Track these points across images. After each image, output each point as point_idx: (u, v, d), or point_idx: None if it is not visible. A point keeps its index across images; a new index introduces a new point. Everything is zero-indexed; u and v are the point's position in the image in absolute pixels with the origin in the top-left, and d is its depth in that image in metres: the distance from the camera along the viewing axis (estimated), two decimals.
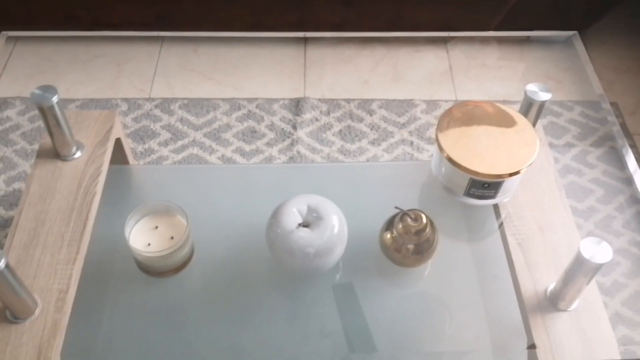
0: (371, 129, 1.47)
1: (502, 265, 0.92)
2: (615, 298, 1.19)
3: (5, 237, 0.90)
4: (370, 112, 1.50)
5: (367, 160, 1.40)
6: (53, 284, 0.83)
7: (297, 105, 1.50)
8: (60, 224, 0.90)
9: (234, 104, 1.51)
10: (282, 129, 1.46)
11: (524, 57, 1.68)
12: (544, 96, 0.94)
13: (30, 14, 1.55)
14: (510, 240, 0.91)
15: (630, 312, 1.18)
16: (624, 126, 1.52)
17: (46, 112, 0.91)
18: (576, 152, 1.43)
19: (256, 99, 1.52)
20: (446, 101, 1.54)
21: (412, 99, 1.54)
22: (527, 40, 1.72)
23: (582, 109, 1.53)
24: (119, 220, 0.87)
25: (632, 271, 1.23)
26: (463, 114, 0.93)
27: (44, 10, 1.53)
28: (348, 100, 1.53)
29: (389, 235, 0.88)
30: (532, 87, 0.95)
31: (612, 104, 1.57)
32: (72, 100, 1.50)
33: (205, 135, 1.44)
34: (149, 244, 0.86)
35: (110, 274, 0.92)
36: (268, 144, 1.43)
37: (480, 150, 0.89)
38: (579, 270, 0.77)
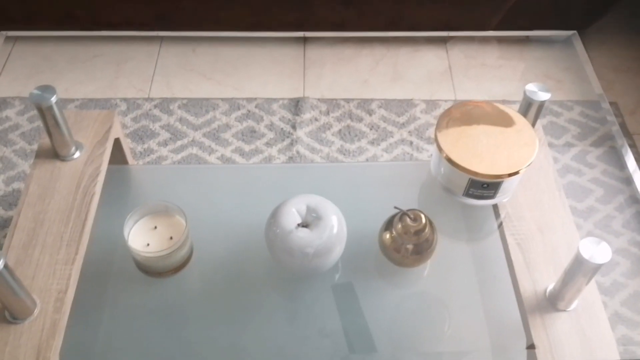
0: (370, 129, 1.46)
1: (501, 265, 0.92)
2: (615, 298, 1.19)
3: (4, 237, 0.90)
4: (370, 112, 1.50)
5: (367, 160, 1.40)
6: (52, 284, 0.83)
7: (296, 105, 1.50)
8: (59, 224, 0.89)
9: (234, 104, 1.51)
10: (282, 128, 1.45)
11: (524, 56, 1.68)
12: (543, 96, 0.94)
13: (29, 13, 1.54)
14: (510, 240, 0.91)
15: (630, 312, 1.17)
16: (623, 126, 1.52)
17: (45, 112, 0.91)
18: (576, 152, 1.43)
19: (255, 98, 1.52)
20: (446, 101, 1.54)
21: (411, 99, 1.54)
22: (526, 40, 1.72)
23: (581, 108, 1.53)
24: (118, 220, 0.87)
25: (632, 271, 1.23)
26: (462, 114, 0.93)
27: (43, 10, 1.53)
28: (347, 100, 1.53)
29: (388, 235, 0.88)
30: (531, 87, 0.95)
31: (612, 103, 1.57)
32: (72, 100, 1.50)
33: (204, 135, 1.44)
34: (148, 244, 0.86)
35: (109, 274, 0.92)
36: (267, 144, 1.42)
37: (479, 150, 0.89)
38: (578, 270, 0.77)
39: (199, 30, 1.64)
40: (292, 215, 0.84)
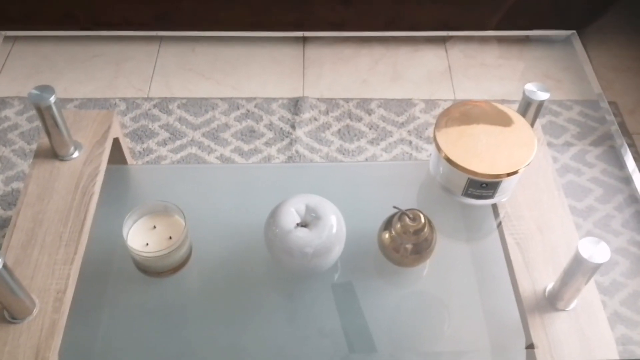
0: (370, 129, 1.46)
1: (500, 264, 0.92)
2: (614, 297, 1.19)
3: (3, 237, 0.90)
4: (369, 112, 1.50)
5: (366, 159, 1.40)
6: (51, 284, 0.83)
7: (295, 105, 1.50)
8: (58, 224, 0.89)
9: (233, 104, 1.51)
10: (281, 128, 1.45)
11: (523, 56, 1.68)
12: (543, 96, 0.94)
13: (28, 13, 1.54)
14: (509, 239, 0.91)
15: (629, 312, 1.17)
16: (623, 125, 1.52)
17: (44, 112, 0.91)
18: (575, 151, 1.43)
19: (255, 98, 1.52)
20: (445, 100, 1.54)
21: (411, 99, 1.54)
22: (526, 40, 1.72)
23: (581, 108, 1.53)
24: (117, 220, 0.87)
25: (631, 270, 1.23)
26: (461, 114, 0.93)
27: (42, 10, 1.53)
28: (347, 100, 1.53)
29: (387, 235, 0.88)
30: (530, 87, 0.95)
31: (611, 103, 1.57)
32: (71, 100, 1.50)
33: (203, 134, 1.44)
34: (147, 244, 0.86)
35: (108, 274, 0.91)
36: (267, 144, 1.42)
37: (478, 150, 0.89)
38: (577, 270, 0.77)
39: (199, 30, 1.64)
40: (291, 215, 0.84)
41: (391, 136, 1.45)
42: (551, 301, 0.84)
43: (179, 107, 1.50)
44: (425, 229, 0.85)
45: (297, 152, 1.41)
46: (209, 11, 1.54)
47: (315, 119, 1.48)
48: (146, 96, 1.52)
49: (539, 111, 0.97)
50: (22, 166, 1.36)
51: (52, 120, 0.92)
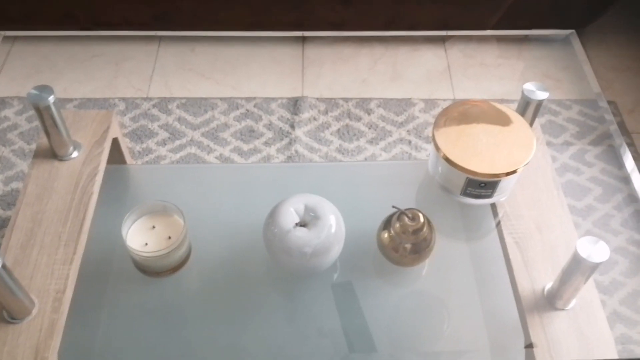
0: (369, 128, 1.46)
1: (499, 264, 0.92)
2: (614, 297, 1.19)
3: (2, 237, 0.90)
4: (369, 111, 1.50)
5: (365, 159, 1.40)
6: (50, 284, 0.83)
7: (295, 105, 1.50)
8: (57, 224, 0.89)
9: (232, 103, 1.51)
10: (280, 128, 1.45)
11: (523, 55, 1.68)
12: (541, 95, 0.94)
13: (28, 13, 1.54)
14: (508, 239, 0.91)
15: (629, 311, 1.18)
16: (622, 125, 1.52)
17: (43, 112, 0.91)
18: (574, 151, 1.43)
19: (254, 98, 1.52)
20: (444, 100, 1.54)
21: (410, 98, 1.54)
22: (525, 39, 1.72)
23: (580, 107, 1.53)
24: (116, 220, 0.87)
25: (631, 270, 1.23)
26: (460, 113, 0.93)
27: (41, 10, 1.53)
28: (346, 100, 1.53)
29: (386, 235, 0.88)
30: (529, 86, 0.95)
31: (610, 102, 1.57)
32: (70, 100, 1.50)
33: (203, 134, 1.44)
34: (146, 244, 0.86)
35: (108, 274, 0.91)
36: (266, 143, 1.42)
37: (477, 149, 0.89)
38: (576, 269, 0.77)
39: (198, 30, 1.64)
40: (290, 215, 0.84)
41: (390, 136, 1.45)
42: (550, 300, 0.84)
43: (178, 107, 1.50)
44: (424, 229, 0.85)
45: (296, 151, 1.41)
46: (209, 11, 1.54)
47: (315, 119, 1.48)
48: (145, 96, 1.52)
49: (538, 111, 0.97)
50: (22, 166, 1.36)
51: (51, 120, 0.92)
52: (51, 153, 0.98)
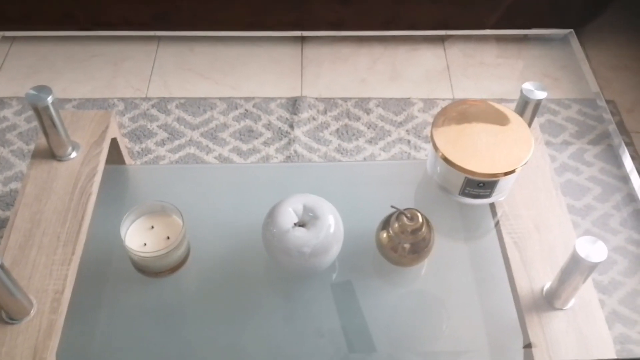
0: (368, 128, 1.46)
1: (498, 264, 0.92)
2: (613, 296, 1.19)
3: (1, 238, 0.90)
4: (368, 111, 1.50)
5: (364, 159, 1.40)
6: (48, 284, 0.83)
7: (294, 104, 1.50)
8: (56, 224, 0.89)
9: (231, 103, 1.51)
10: (279, 128, 1.45)
11: (522, 55, 1.68)
12: (540, 95, 0.94)
13: (27, 13, 1.54)
14: (507, 239, 0.91)
15: (628, 310, 1.17)
16: (621, 124, 1.52)
17: (41, 113, 0.91)
18: (573, 150, 1.43)
19: (253, 98, 1.52)
20: (443, 99, 1.54)
21: (409, 98, 1.54)
22: (524, 39, 1.72)
23: (579, 107, 1.53)
24: (115, 220, 0.87)
25: (630, 269, 1.23)
26: (458, 113, 0.93)
27: (41, 10, 1.53)
28: (345, 99, 1.53)
29: (385, 235, 0.88)
30: (528, 86, 0.95)
31: (609, 101, 1.57)
32: (69, 100, 1.50)
33: (202, 134, 1.44)
34: (145, 244, 0.86)
35: (106, 275, 0.91)
36: (265, 143, 1.42)
37: (475, 149, 0.89)
38: (574, 269, 0.77)
39: (197, 30, 1.64)
40: (288, 215, 0.84)
41: (389, 135, 1.45)
42: (549, 300, 0.84)
43: (177, 107, 1.50)
44: (423, 229, 0.85)
45: (295, 151, 1.41)
46: (208, 11, 1.54)
47: (314, 119, 1.48)
48: (144, 96, 1.52)
49: (537, 110, 0.97)
50: (21, 166, 1.36)
51: (49, 121, 0.92)
52: (50, 153, 0.98)
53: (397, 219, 0.86)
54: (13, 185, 1.33)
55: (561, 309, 0.84)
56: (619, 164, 1.37)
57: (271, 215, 0.85)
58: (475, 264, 0.95)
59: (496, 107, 0.94)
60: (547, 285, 0.85)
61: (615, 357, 0.81)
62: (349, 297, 0.89)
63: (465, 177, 0.88)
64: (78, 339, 0.85)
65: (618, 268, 1.23)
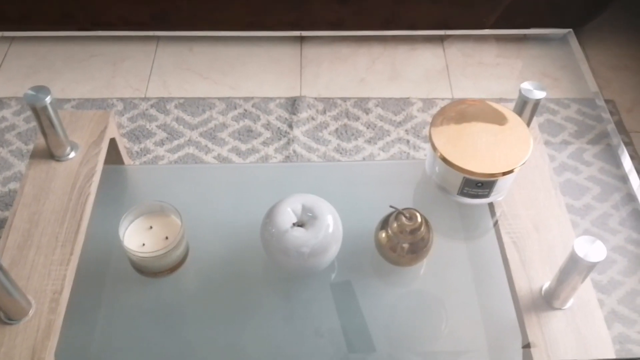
0: (367, 128, 1.46)
1: (497, 263, 0.92)
2: (612, 296, 1.19)
3: (0, 238, 0.89)
4: (367, 111, 1.50)
5: (363, 158, 1.40)
6: (47, 285, 0.83)
7: (293, 104, 1.50)
8: (54, 224, 0.89)
9: (230, 103, 1.51)
10: (278, 128, 1.45)
11: (521, 54, 1.68)
12: (539, 94, 0.94)
13: (26, 13, 1.54)
14: (505, 238, 0.91)
15: (627, 310, 1.17)
16: (621, 124, 1.52)
17: (39, 113, 0.91)
18: (573, 150, 1.43)
19: (252, 98, 1.52)
20: (443, 99, 1.54)
21: (408, 97, 1.54)
22: (524, 38, 1.72)
23: (578, 106, 1.53)
24: (114, 220, 0.87)
25: (629, 269, 1.23)
26: (457, 113, 0.93)
27: (40, 10, 1.53)
28: (344, 99, 1.53)
29: (384, 234, 0.88)
30: (526, 86, 0.95)
31: (609, 101, 1.57)
32: (68, 100, 1.50)
33: (201, 134, 1.44)
34: (144, 244, 0.86)
35: (105, 275, 0.91)
36: (264, 143, 1.42)
37: (473, 149, 0.89)
38: (573, 268, 0.77)
39: (196, 30, 1.64)
40: (287, 215, 0.84)
41: (389, 135, 1.45)
42: (547, 300, 0.84)
43: (176, 107, 1.49)
44: (422, 228, 0.85)
45: (294, 151, 1.41)
46: (207, 11, 1.54)
47: (313, 119, 1.48)
48: (143, 96, 1.52)
49: (536, 110, 0.96)
50: (20, 167, 1.36)
51: (48, 121, 0.92)
52: (48, 153, 0.97)
53: (396, 218, 0.86)
54: (12, 186, 1.33)
55: (560, 309, 0.84)
56: (618, 164, 1.37)
57: (270, 215, 0.85)
58: (474, 264, 0.95)
59: (495, 107, 0.94)
60: (546, 285, 0.85)
61: (614, 356, 0.81)
62: (347, 297, 0.89)
63: (464, 177, 0.88)
64: (77, 339, 0.85)
65: (617, 268, 1.23)
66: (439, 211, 0.97)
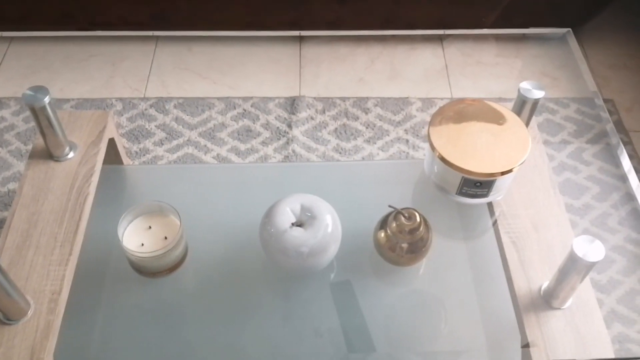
0: (366, 127, 1.46)
1: (496, 263, 0.92)
2: (611, 295, 1.19)
3: None
4: (366, 111, 1.50)
5: (363, 158, 1.40)
6: (46, 285, 0.83)
7: (292, 104, 1.50)
8: (53, 225, 0.89)
9: (229, 103, 1.51)
10: (278, 127, 1.45)
11: (520, 54, 1.68)
12: (538, 94, 0.94)
13: (24, 13, 1.54)
14: (504, 238, 0.91)
15: (626, 310, 1.17)
16: (620, 123, 1.52)
17: (38, 113, 0.91)
18: (572, 150, 1.43)
19: (251, 97, 1.52)
20: (442, 99, 1.54)
21: (407, 97, 1.54)
22: (523, 38, 1.72)
23: (577, 106, 1.53)
24: (113, 220, 0.87)
25: (628, 268, 1.23)
26: (455, 113, 0.93)
27: (39, 10, 1.53)
28: (343, 99, 1.53)
29: (383, 234, 0.88)
30: (525, 85, 0.95)
31: (608, 100, 1.57)
32: (67, 100, 1.50)
33: (200, 134, 1.44)
34: (143, 245, 0.86)
35: (104, 275, 0.91)
36: (263, 143, 1.42)
37: (472, 148, 0.88)
38: (572, 268, 0.77)
39: (195, 30, 1.64)
40: (286, 215, 0.84)
41: (388, 135, 1.45)
42: (547, 300, 0.84)
43: (175, 106, 1.49)
44: (421, 228, 0.85)
45: (293, 151, 1.41)
46: (206, 11, 1.54)
47: (312, 118, 1.48)
48: (142, 96, 1.52)
49: (534, 109, 0.96)
50: (19, 167, 1.36)
51: (46, 121, 0.92)
52: (47, 154, 0.97)
53: (395, 218, 0.85)
54: (11, 186, 1.33)
55: (559, 309, 0.83)
56: (618, 163, 1.37)
57: (269, 215, 0.85)
58: (473, 264, 0.95)
59: (493, 107, 0.94)
60: (545, 285, 0.85)
61: (613, 356, 0.81)
62: (347, 296, 0.89)
63: (462, 177, 0.88)
64: (75, 339, 0.85)
65: (616, 267, 1.23)
66: (438, 211, 0.97)
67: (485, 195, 0.91)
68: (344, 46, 1.66)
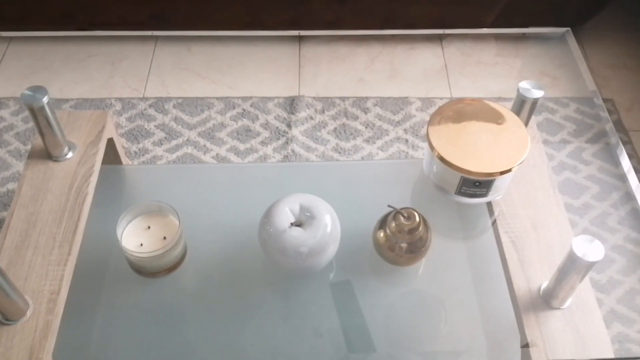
0: (366, 127, 1.46)
1: (495, 263, 0.91)
2: (611, 295, 1.19)
3: None
4: (365, 110, 1.50)
5: (362, 158, 1.40)
6: (44, 285, 0.83)
7: (291, 104, 1.50)
8: (52, 225, 0.89)
9: (229, 103, 1.50)
10: (277, 127, 1.45)
11: (520, 53, 1.68)
12: (537, 93, 0.94)
13: (24, 13, 1.54)
14: (504, 238, 0.91)
15: (626, 309, 1.17)
16: (619, 122, 1.52)
17: (37, 113, 0.90)
18: (571, 149, 1.43)
19: (251, 97, 1.52)
20: (441, 98, 1.54)
21: (407, 97, 1.54)
22: (522, 37, 1.72)
23: (577, 105, 1.53)
24: (111, 220, 0.87)
25: (628, 268, 1.23)
26: (454, 112, 0.93)
27: (38, 10, 1.53)
28: (343, 99, 1.53)
29: (382, 234, 0.88)
30: (524, 85, 0.95)
31: (608, 100, 1.57)
32: (66, 100, 1.50)
33: (199, 134, 1.44)
34: (142, 245, 0.86)
35: (103, 275, 0.91)
36: (262, 143, 1.42)
37: (471, 148, 0.88)
38: (571, 268, 0.77)
39: (194, 30, 1.64)
40: (285, 215, 0.84)
41: (387, 135, 1.45)
42: (546, 299, 0.84)
43: (174, 106, 1.49)
44: (420, 228, 0.85)
45: (293, 151, 1.40)
46: (205, 11, 1.54)
47: (311, 118, 1.47)
48: (142, 96, 1.52)
49: (534, 109, 0.96)
50: (18, 167, 1.36)
51: (45, 121, 0.92)
52: (46, 154, 0.97)
53: (394, 218, 0.85)
54: (10, 186, 1.33)
55: (558, 308, 0.83)
56: (617, 163, 1.37)
57: (268, 215, 0.85)
58: (472, 263, 0.95)
59: (492, 106, 0.94)
60: (544, 285, 0.85)
61: (613, 356, 0.80)
62: (346, 296, 0.89)
63: (461, 177, 0.88)
64: (74, 339, 0.85)
65: (616, 267, 1.23)
66: (437, 210, 0.97)
67: (484, 195, 0.91)
68: (344, 46, 1.66)
